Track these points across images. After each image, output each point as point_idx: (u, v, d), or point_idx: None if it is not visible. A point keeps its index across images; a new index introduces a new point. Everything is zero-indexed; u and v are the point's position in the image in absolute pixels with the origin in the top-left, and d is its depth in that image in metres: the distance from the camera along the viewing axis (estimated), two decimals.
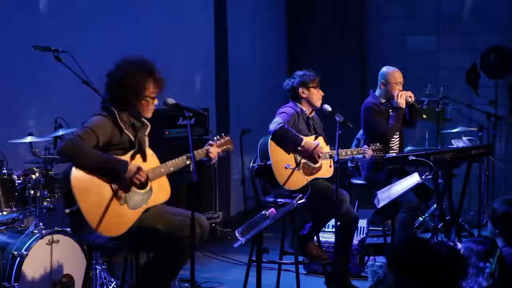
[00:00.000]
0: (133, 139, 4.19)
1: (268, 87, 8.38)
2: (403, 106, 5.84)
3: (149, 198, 4.17)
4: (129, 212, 4.08)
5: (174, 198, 4.32)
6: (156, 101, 4.26)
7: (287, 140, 5.24)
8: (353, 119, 5.49)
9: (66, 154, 4.01)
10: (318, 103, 5.48)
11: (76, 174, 3.95)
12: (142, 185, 4.14)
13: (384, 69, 5.98)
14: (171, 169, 4.23)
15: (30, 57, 5.32)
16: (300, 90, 5.45)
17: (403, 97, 5.83)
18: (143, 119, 4.31)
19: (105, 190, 4.01)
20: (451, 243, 3.43)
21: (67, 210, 3.96)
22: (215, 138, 4.52)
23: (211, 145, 4.43)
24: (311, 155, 5.28)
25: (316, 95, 5.47)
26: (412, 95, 5.89)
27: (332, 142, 5.27)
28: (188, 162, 4.23)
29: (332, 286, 5.47)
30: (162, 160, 4.31)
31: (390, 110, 5.89)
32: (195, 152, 4.28)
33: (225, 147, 4.52)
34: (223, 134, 4.58)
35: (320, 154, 5.30)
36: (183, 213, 4.20)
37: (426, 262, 3.07)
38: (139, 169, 4.04)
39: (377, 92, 5.96)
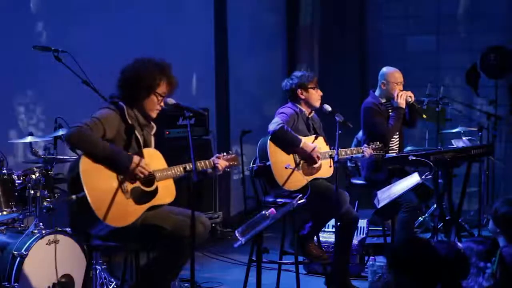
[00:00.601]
0: (139, 137, 4.21)
1: (268, 87, 8.38)
2: (403, 106, 5.84)
3: (154, 196, 4.18)
4: (134, 206, 4.09)
5: (176, 198, 4.33)
6: (163, 104, 4.27)
7: (286, 141, 5.23)
8: (353, 119, 5.49)
9: (73, 141, 4.03)
10: (317, 104, 5.47)
11: (86, 161, 3.98)
12: (149, 184, 4.15)
13: (384, 69, 5.99)
14: (178, 173, 4.25)
15: (30, 57, 5.32)
16: (299, 91, 5.44)
17: (403, 97, 5.83)
18: (149, 119, 4.32)
19: (112, 180, 4.03)
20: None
21: (74, 196, 3.96)
22: (223, 154, 4.55)
23: (218, 157, 4.47)
24: (310, 157, 5.27)
25: (315, 96, 5.46)
26: (412, 95, 5.89)
27: (332, 142, 5.27)
28: (187, 166, 4.24)
29: (332, 286, 5.47)
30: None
31: (390, 110, 5.89)
32: (201, 162, 4.33)
33: (231, 163, 4.55)
34: (230, 152, 4.62)
35: (319, 155, 5.29)
36: (186, 213, 4.20)
37: (426, 262, 3.07)
38: (140, 161, 4.05)
39: (377, 92, 5.96)
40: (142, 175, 4.08)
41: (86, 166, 3.98)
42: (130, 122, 4.17)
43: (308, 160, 5.29)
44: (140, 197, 4.12)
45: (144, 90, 4.19)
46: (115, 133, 4.11)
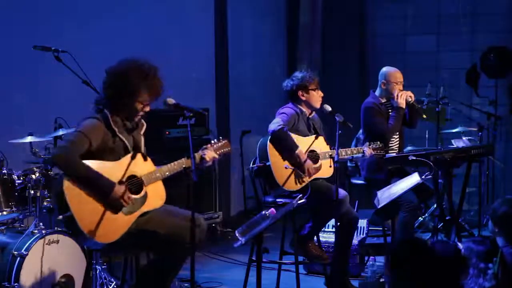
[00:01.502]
0: (127, 143, 4.17)
1: (268, 87, 8.37)
2: (403, 106, 5.84)
3: (143, 203, 4.14)
4: (124, 217, 4.06)
5: (174, 198, 4.31)
6: (147, 108, 4.23)
7: (284, 144, 5.21)
8: (353, 119, 5.49)
9: (57, 163, 4.01)
10: (317, 105, 5.46)
11: (70, 180, 3.94)
12: (137, 190, 4.12)
13: (385, 69, 5.99)
14: (167, 173, 4.22)
15: (30, 57, 5.32)
16: (300, 93, 5.43)
17: (403, 97, 5.83)
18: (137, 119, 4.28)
19: (98, 196, 3.98)
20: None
21: (60, 217, 3.95)
22: (212, 141, 4.50)
23: (206, 147, 4.42)
24: (301, 167, 5.24)
25: (316, 97, 5.45)
26: (412, 95, 5.89)
27: (332, 142, 5.27)
28: (184, 166, 4.21)
29: (332, 286, 5.47)
30: (163, 159, 4.31)
31: (390, 110, 5.89)
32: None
33: (222, 150, 4.50)
34: (220, 138, 4.57)
35: (310, 170, 5.24)
36: (182, 214, 4.19)
37: (424, 263, 3.07)
38: (124, 193, 4.00)
39: (377, 92, 5.96)
40: (124, 205, 4.02)
41: (70, 185, 3.93)
42: (116, 129, 4.13)
43: (299, 169, 5.25)
44: (130, 207, 4.07)
45: (126, 97, 4.14)
46: (100, 142, 4.06)
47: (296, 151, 5.20)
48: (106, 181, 3.98)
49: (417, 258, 3.07)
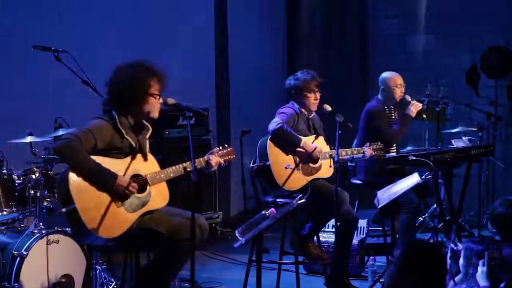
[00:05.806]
0: (133, 143, 4.18)
1: (268, 87, 8.37)
2: (413, 115, 5.89)
3: (147, 202, 4.15)
4: (127, 215, 4.07)
5: (174, 198, 4.31)
6: (161, 100, 4.25)
7: (286, 140, 5.23)
8: (353, 119, 5.50)
9: (61, 153, 4.02)
10: (313, 108, 5.46)
11: (75, 174, 3.95)
12: (141, 189, 4.13)
13: (383, 74, 6.04)
14: (171, 175, 4.23)
15: (30, 57, 5.32)
16: (299, 92, 5.42)
17: (416, 107, 5.88)
18: (144, 122, 4.29)
19: (102, 191, 4.00)
20: (451, 244, 3.44)
21: (64, 209, 3.95)
22: (218, 148, 4.52)
23: (212, 153, 4.43)
24: (310, 156, 5.26)
25: (312, 101, 5.41)
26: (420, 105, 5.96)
27: (332, 142, 5.27)
28: (188, 169, 4.22)
29: (332, 286, 5.47)
30: (162, 159, 4.31)
31: (392, 116, 5.95)
32: (195, 160, 4.29)
33: (227, 157, 4.51)
34: (226, 145, 4.58)
35: (319, 155, 5.28)
36: (184, 214, 4.19)
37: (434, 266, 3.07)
38: (129, 183, 4.02)
39: (380, 97, 6.00)
40: (132, 192, 4.05)
41: (75, 178, 3.94)
42: (123, 131, 4.14)
43: (308, 160, 5.28)
44: (133, 204, 4.09)
45: (139, 96, 4.16)
46: (107, 143, 4.08)
47: (301, 144, 5.22)
48: (109, 172, 4.00)
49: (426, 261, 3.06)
